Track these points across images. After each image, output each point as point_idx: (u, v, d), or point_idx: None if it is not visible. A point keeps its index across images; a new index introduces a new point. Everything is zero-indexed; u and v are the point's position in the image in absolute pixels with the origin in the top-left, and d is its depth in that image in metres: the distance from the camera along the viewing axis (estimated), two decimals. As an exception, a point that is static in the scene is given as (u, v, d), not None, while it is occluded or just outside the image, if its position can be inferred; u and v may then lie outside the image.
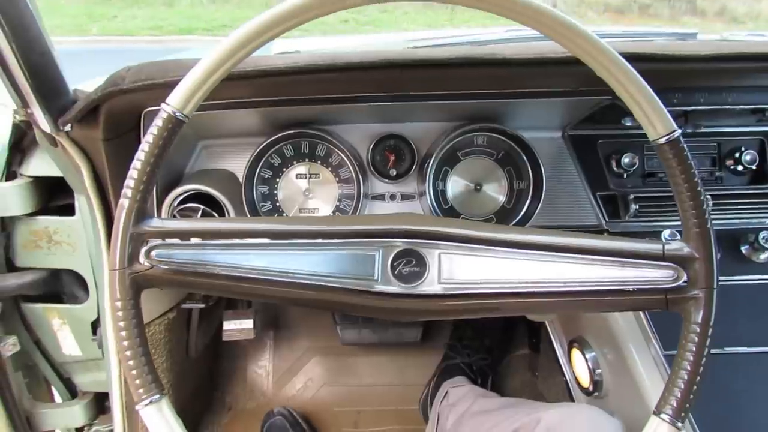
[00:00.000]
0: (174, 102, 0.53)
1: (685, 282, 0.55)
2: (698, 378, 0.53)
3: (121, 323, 0.52)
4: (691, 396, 0.53)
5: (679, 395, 0.53)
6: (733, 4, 9.20)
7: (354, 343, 1.58)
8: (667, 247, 0.56)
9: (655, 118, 0.54)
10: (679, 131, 0.54)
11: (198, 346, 1.33)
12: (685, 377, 0.53)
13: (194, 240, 0.58)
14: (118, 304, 0.53)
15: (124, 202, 0.52)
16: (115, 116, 0.79)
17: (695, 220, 0.54)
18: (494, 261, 0.59)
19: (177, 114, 0.53)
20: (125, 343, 0.52)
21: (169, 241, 0.57)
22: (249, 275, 0.57)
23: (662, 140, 0.54)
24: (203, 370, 1.51)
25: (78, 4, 9.59)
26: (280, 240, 0.58)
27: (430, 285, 0.59)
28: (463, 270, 0.59)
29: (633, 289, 0.57)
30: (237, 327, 1.32)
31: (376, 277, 0.58)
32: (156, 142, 0.53)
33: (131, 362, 0.52)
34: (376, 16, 9.08)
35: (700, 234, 0.55)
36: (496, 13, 0.52)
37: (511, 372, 1.59)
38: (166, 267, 0.56)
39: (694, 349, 0.54)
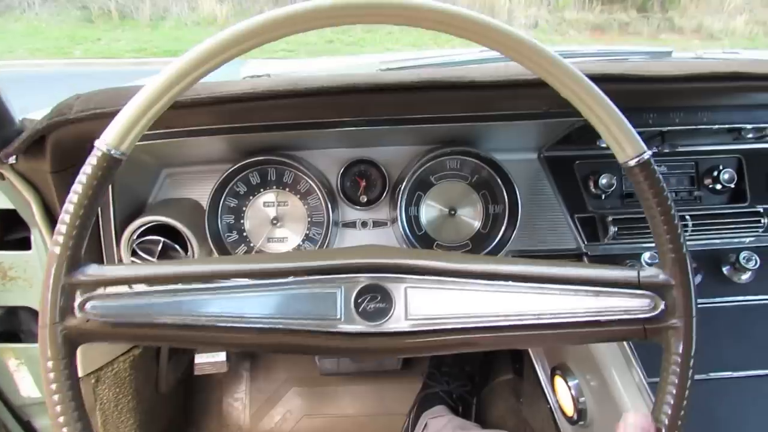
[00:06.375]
0: (108, 139, 0.48)
1: (662, 311, 0.52)
2: (682, 410, 0.50)
3: (53, 386, 0.47)
4: (679, 422, 0.50)
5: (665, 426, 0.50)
6: (709, 21, 9.40)
7: (333, 373, 1.53)
8: (642, 274, 0.53)
9: (623, 140, 0.51)
10: (650, 153, 0.51)
11: (169, 380, 1.28)
12: (669, 411, 0.50)
13: (137, 287, 0.53)
14: (50, 364, 0.48)
15: (55, 250, 0.48)
16: (63, 147, 0.75)
17: (670, 245, 0.52)
18: (464, 294, 0.55)
19: (112, 152, 0.49)
20: (57, 408, 0.47)
21: (107, 290, 0.52)
22: (199, 323, 0.52)
23: (632, 162, 0.51)
24: (176, 405, 1.45)
25: (61, 26, 9.57)
26: (233, 282, 0.54)
27: (396, 322, 0.55)
28: (431, 305, 0.55)
29: (606, 319, 0.53)
30: (209, 360, 1.27)
31: (338, 316, 0.54)
32: (90, 183, 0.48)
33: (64, 429, 0.47)
34: (360, 36, 9.15)
35: (675, 260, 0.52)
36: (456, 35, 0.49)
37: (496, 398, 1.55)
38: (104, 320, 0.51)
39: (676, 381, 0.50)
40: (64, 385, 0.47)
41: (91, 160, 0.48)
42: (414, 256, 0.57)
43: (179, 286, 0.53)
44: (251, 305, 0.53)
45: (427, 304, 0.55)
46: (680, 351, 0.51)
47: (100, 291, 0.51)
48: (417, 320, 0.55)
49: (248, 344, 0.56)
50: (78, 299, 0.50)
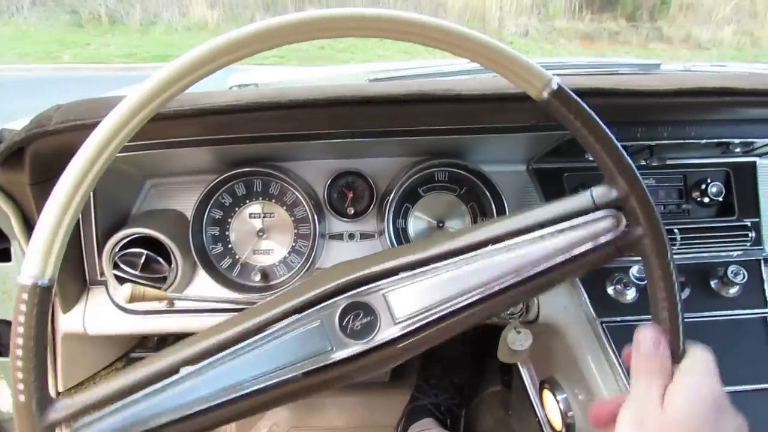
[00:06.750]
0: (29, 273, 0.44)
1: (627, 224, 0.51)
2: (679, 305, 0.49)
3: None
4: (679, 318, 0.49)
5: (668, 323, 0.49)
6: (698, 31, 9.52)
7: (320, 385, 1.51)
8: (595, 195, 0.52)
9: (529, 76, 0.49)
10: (558, 80, 0.50)
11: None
12: (667, 309, 0.49)
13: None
14: None
15: (21, 398, 0.44)
16: (43, 159, 0.73)
17: (612, 157, 0.50)
18: (439, 279, 0.53)
19: (39, 283, 0.44)
20: None
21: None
22: (195, 409, 0.48)
23: (545, 94, 0.49)
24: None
25: (50, 30, 9.52)
26: (216, 356, 0.50)
27: (387, 329, 0.53)
28: (414, 301, 0.53)
29: (580, 252, 0.52)
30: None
31: (329, 347, 0.51)
32: (28, 323, 0.44)
33: None
34: (352, 42, 9.18)
35: (622, 169, 0.50)
36: (328, 38, 0.47)
37: (484, 410, 1.54)
38: None
39: (662, 281, 0.49)
40: None
41: (22, 299, 0.44)
42: (379, 261, 0.55)
43: (161, 383, 0.49)
44: (240, 371, 0.50)
45: (411, 302, 0.53)
46: (656, 253, 0.50)
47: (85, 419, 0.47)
48: (406, 321, 0.53)
49: (251, 409, 0.51)
50: None
